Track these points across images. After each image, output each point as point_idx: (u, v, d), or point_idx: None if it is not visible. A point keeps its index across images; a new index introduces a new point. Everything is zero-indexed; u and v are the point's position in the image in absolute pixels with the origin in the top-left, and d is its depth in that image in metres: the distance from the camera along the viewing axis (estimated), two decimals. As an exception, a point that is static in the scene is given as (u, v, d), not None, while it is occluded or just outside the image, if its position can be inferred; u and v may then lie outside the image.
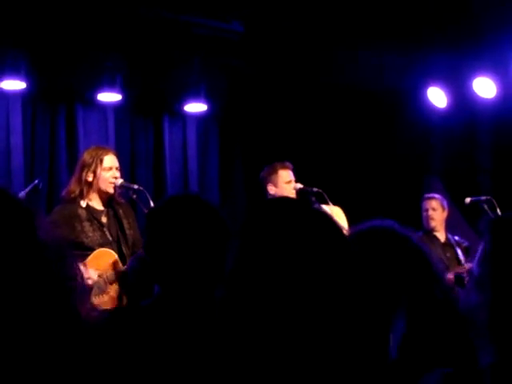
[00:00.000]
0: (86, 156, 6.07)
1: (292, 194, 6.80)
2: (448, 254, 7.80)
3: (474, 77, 8.18)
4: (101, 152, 6.12)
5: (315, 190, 6.77)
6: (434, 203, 8.02)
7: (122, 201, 6.17)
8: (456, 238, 7.97)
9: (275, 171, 6.91)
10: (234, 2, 7.91)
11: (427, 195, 8.12)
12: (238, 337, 1.68)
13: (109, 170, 6.02)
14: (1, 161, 7.67)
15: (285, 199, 2.25)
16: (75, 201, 5.96)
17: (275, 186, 6.87)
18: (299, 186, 6.84)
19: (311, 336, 1.64)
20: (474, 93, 8.20)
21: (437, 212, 7.99)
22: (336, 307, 1.67)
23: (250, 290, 1.69)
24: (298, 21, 7.98)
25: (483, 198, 7.45)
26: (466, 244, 7.92)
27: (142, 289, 3.55)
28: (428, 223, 8.00)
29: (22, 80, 7.45)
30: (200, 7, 7.90)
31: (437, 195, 8.12)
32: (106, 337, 2.46)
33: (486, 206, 7.38)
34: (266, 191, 6.92)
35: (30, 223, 1.58)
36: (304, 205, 1.84)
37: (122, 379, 2.37)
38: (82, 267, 5.70)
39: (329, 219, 1.81)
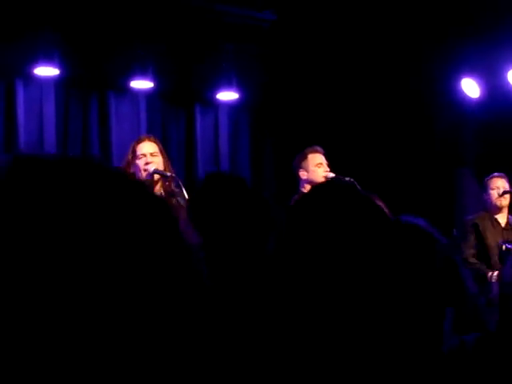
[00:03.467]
0: (129, 150, 6.15)
1: (323, 178, 6.78)
2: (510, 238, 7.39)
3: (508, 67, 8.12)
4: (136, 142, 6.16)
5: (347, 179, 6.75)
6: (505, 182, 7.59)
7: (177, 190, 6.12)
8: None
9: (305, 156, 6.92)
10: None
11: (496, 173, 7.68)
12: (284, 322, 1.67)
13: (141, 157, 6.05)
14: (34, 147, 7.71)
15: (336, 183, 2.21)
16: None
17: (306, 170, 6.87)
18: (331, 174, 6.82)
19: (355, 325, 1.63)
20: (508, 83, 8.14)
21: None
22: (386, 298, 1.65)
23: (299, 273, 1.68)
24: (329, 8, 7.95)
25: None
26: None
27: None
28: (498, 202, 7.56)
29: (55, 67, 7.48)
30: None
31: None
32: None
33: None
34: (298, 178, 6.91)
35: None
36: (355, 190, 1.82)
37: None
38: None
39: (379, 207, 1.80)
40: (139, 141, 6.19)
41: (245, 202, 2.65)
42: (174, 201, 6.08)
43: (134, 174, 5.99)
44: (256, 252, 2.60)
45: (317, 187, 1.90)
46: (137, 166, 6.03)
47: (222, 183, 2.74)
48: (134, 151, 6.07)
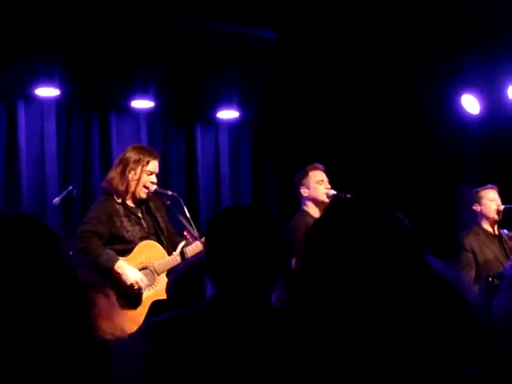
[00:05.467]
0: (133, 155, 6.11)
1: (324, 195, 6.80)
2: (506, 251, 7.29)
3: (508, 83, 8.12)
4: (148, 154, 6.17)
5: (348, 196, 6.75)
6: (497, 194, 7.49)
7: (151, 195, 6.19)
8: (505, 231, 7.46)
9: (306, 173, 6.94)
10: (267, 9, 7.93)
11: (489, 185, 7.56)
12: (306, 339, 1.66)
13: (150, 175, 6.07)
14: (35, 167, 7.73)
15: (355, 200, 2.17)
16: (111, 197, 6.01)
17: (307, 187, 6.89)
18: (333, 192, 6.82)
19: (377, 343, 1.60)
20: (508, 99, 8.14)
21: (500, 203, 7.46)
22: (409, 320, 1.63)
23: (320, 291, 1.65)
24: (330, 26, 7.97)
25: (517, 205, 7.39)
26: None
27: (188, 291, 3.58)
28: (496, 215, 7.41)
29: (56, 87, 7.51)
30: (232, 14, 7.92)
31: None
32: (167, 340, 2.49)
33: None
34: (299, 195, 6.92)
35: (57, 251, 1.66)
36: (376, 206, 1.80)
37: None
38: (135, 272, 5.77)
39: (402, 223, 1.77)
40: (154, 156, 6.20)
41: (261, 228, 2.70)
42: (153, 202, 6.13)
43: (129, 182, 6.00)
44: (270, 275, 2.66)
45: (332, 208, 1.86)
46: (141, 181, 6.04)
47: (240, 212, 2.81)
48: (147, 163, 6.07)
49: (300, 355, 1.63)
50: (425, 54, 7.98)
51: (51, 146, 7.82)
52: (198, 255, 5.28)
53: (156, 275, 5.91)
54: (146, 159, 6.09)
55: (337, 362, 1.59)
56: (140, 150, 6.21)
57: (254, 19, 8.09)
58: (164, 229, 6.08)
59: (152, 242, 5.98)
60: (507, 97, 8.14)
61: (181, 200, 6.14)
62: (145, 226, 6.03)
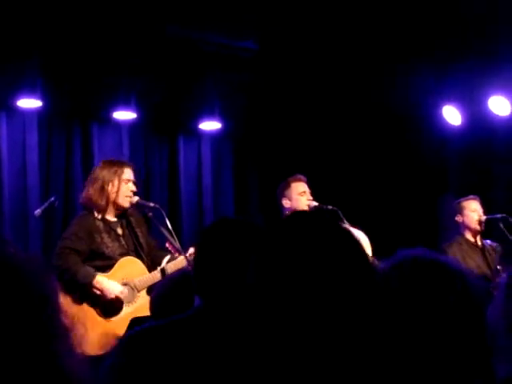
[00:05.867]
0: (108, 168, 6.08)
1: (306, 206, 6.79)
2: (490, 261, 7.33)
3: (489, 95, 8.17)
4: (121, 164, 6.16)
5: (330, 207, 6.75)
6: (479, 204, 7.52)
7: (134, 212, 6.18)
8: (488, 242, 7.52)
9: (288, 185, 6.92)
10: (248, 20, 7.94)
11: (471, 196, 7.60)
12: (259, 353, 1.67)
13: (127, 183, 6.04)
14: (17, 178, 7.70)
15: (310, 213, 2.19)
16: (91, 212, 5.98)
17: (289, 199, 6.87)
18: (314, 203, 6.82)
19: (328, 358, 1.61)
20: (490, 111, 8.19)
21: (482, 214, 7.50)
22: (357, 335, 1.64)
23: (268, 306, 1.67)
24: (311, 37, 7.99)
25: (499, 215, 7.40)
26: (499, 248, 7.46)
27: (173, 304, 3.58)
28: (479, 226, 7.45)
29: (37, 98, 7.49)
30: (213, 25, 7.93)
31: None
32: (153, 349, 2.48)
33: (501, 224, 7.34)
34: (281, 207, 6.91)
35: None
36: (330, 221, 1.81)
37: None
38: (114, 284, 5.75)
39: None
40: (127, 165, 6.19)
41: (249, 240, 2.71)
42: (133, 218, 6.11)
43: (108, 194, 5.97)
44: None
45: (290, 216, 1.88)
46: (120, 191, 6.01)
47: (229, 224, 2.81)
48: (121, 173, 6.05)
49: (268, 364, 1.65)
50: (407, 65, 8.01)
51: (33, 157, 7.79)
52: (180, 271, 5.26)
53: (136, 292, 5.88)
54: (121, 169, 6.07)
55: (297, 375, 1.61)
56: (112, 162, 6.19)
57: (236, 30, 8.10)
58: (144, 244, 6.03)
59: (132, 258, 5.94)
60: (488, 108, 8.19)
61: (163, 212, 6.11)
62: (123, 242, 5.98)
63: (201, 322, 2.61)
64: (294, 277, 1.66)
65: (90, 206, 6.01)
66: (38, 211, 6.42)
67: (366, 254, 1.76)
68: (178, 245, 5.93)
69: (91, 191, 6.03)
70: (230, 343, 2.56)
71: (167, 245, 6.04)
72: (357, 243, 1.77)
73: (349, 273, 1.67)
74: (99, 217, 5.98)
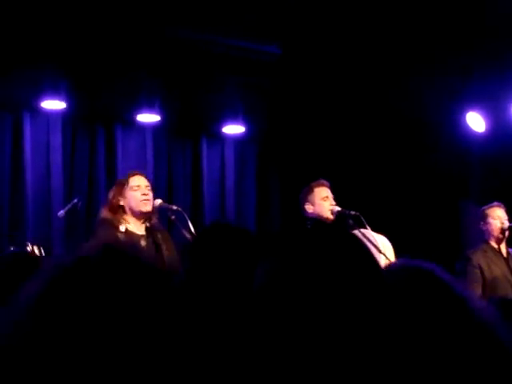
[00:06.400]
0: (114, 187, 6.16)
1: (329, 211, 6.75)
2: (511, 269, 7.27)
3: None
4: (128, 175, 6.21)
5: (353, 213, 6.72)
6: (504, 212, 7.43)
7: (162, 228, 6.18)
8: None
9: (311, 190, 6.87)
10: (272, 24, 7.95)
11: (496, 203, 7.52)
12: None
13: (137, 189, 6.04)
14: (41, 180, 7.75)
15: (317, 221, 2.17)
16: (115, 225, 5.98)
17: (312, 204, 6.82)
18: (337, 208, 6.78)
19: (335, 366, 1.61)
20: (513, 118, 8.16)
21: (507, 222, 7.39)
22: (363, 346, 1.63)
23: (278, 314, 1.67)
24: (334, 41, 7.99)
25: (522, 223, 7.39)
26: None
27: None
28: (501, 233, 7.37)
29: (62, 100, 7.54)
30: (238, 29, 7.95)
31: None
32: None
33: (524, 232, 7.31)
34: (304, 211, 6.89)
35: None
36: (337, 230, 1.81)
37: None
38: None
39: (360, 246, 1.78)
40: (132, 174, 6.21)
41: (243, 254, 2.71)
42: (161, 233, 6.10)
43: (123, 206, 6.00)
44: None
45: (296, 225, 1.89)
46: (132, 198, 6.01)
47: (225, 233, 2.81)
48: (127, 183, 6.07)
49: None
50: (430, 72, 7.99)
51: (57, 159, 7.83)
52: None
53: None
54: (127, 179, 6.12)
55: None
56: (120, 179, 6.27)
57: (260, 34, 8.12)
58: (166, 261, 5.96)
59: None
60: (512, 115, 8.16)
61: (185, 215, 6.11)
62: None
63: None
64: (309, 289, 1.65)
65: (102, 224, 6.03)
66: (61, 212, 6.45)
67: (370, 258, 1.76)
68: (200, 248, 5.93)
69: (104, 212, 6.07)
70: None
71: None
72: (361, 247, 1.77)
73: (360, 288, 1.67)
74: (122, 229, 5.97)
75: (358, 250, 1.72)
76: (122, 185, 6.08)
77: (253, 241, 2.78)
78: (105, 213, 6.03)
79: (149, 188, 6.11)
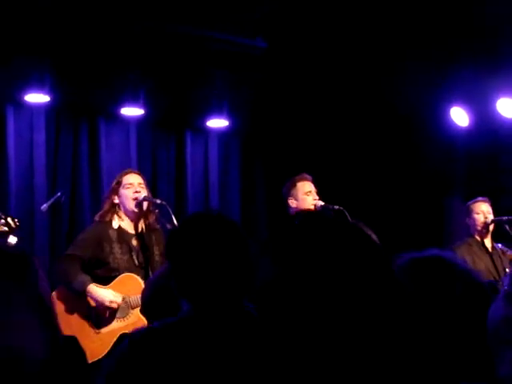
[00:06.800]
0: (113, 185, 6.20)
1: (312, 206, 6.77)
2: (497, 264, 7.39)
3: (498, 97, 8.15)
4: (122, 173, 6.26)
5: (336, 207, 6.73)
6: (489, 206, 7.57)
7: (157, 227, 6.19)
8: (500, 245, 7.53)
9: (294, 184, 6.88)
10: (257, 18, 7.94)
11: (480, 198, 7.65)
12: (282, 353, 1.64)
13: (129, 187, 6.08)
14: (24, 174, 7.71)
15: (321, 213, 2.14)
16: (108, 222, 6.03)
17: (295, 199, 6.83)
18: (320, 203, 6.80)
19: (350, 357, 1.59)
20: (497, 113, 8.17)
21: (491, 216, 7.54)
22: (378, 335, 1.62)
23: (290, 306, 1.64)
24: (319, 35, 7.99)
25: (505, 218, 7.41)
26: (510, 252, 7.47)
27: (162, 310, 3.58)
28: (485, 228, 7.52)
29: (45, 93, 7.50)
30: (222, 23, 7.94)
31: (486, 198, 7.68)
32: (142, 356, 2.47)
33: (507, 227, 7.34)
34: (288, 206, 6.89)
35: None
36: (343, 221, 1.79)
37: None
38: (107, 291, 5.79)
39: (369, 237, 1.76)
40: (126, 173, 6.28)
41: (222, 236, 2.68)
42: (155, 235, 6.13)
43: (118, 204, 6.06)
44: (239, 282, 2.64)
45: (304, 216, 1.86)
46: (124, 196, 6.07)
47: (199, 220, 2.77)
48: (120, 182, 6.13)
49: (277, 364, 1.63)
50: (414, 66, 8.00)
51: (40, 152, 7.79)
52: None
53: (130, 309, 5.90)
54: (120, 178, 6.18)
55: (313, 371, 1.59)
56: (119, 174, 6.31)
57: (244, 28, 8.10)
58: (158, 263, 5.97)
59: (132, 275, 5.90)
60: (496, 110, 8.17)
61: (169, 209, 6.12)
62: (134, 256, 6.00)
63: (194, 325, 2.60)
64: (320, 273, 1.62)
65: (101, 221, 6.07)
66: (44, 206, 6.43)
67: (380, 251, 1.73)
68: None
69: (104, 205, 6.15)
70: (223, 342, 2.55)
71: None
72: (370, 239, 1.75)
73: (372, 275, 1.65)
74: (115, 226, 6.02)
75: (367, 239, 1.71)
76: (118, 183, 6.13)
77: (238, 230, 2.74)
78: (106, 209, 6.12)
79: (142, 185, 6.14)
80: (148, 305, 3.89)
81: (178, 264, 2.68)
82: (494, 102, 8.16)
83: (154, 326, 2.65)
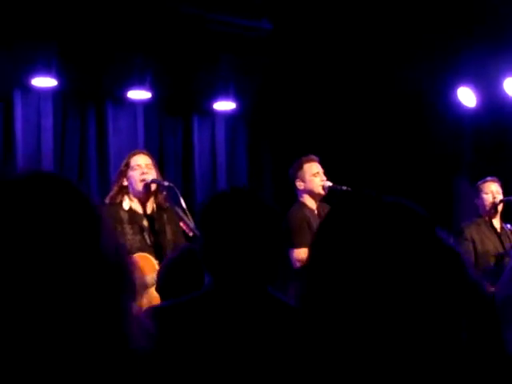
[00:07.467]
0: (122, 167, 6.19)
1: (320, 187, 6.78)
2: (506, 244, 7.35)
3: (504, 77, 8.13)
4: (130, 155, 6.25)
5: (344, 188, 6.74)
6: (498, 186, 7.55)
7: (168, 205, 6.18)
8: (508, 225, 7.52)
9: (300, 166, 6.88)
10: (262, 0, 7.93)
11: (489, 178, 7.62)
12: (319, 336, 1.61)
13: (137, 168, 6.08)
14: (31, 158, 7.71)
15: (359, 193, 2.07)
16: (119, 203, 6.03)
17: (303, 180, 6.84)
18: (328, 183, 6.81)
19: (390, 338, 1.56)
20: (504, 93, 8.15)
21: (500, 196, 7.52)
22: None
23: (336, 288, 1.61)
24: (326, 17, 7.97)
25: (513, 198, 7.43)
26: None
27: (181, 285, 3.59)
28: (493, 208, 7.49)
29: (52, 77, 7.50)
30: (228, 5, 7.92)
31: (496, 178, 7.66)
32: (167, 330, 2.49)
33: (515, 207, 7.36)
34: (295, 187, 6.90)
35: (96, 228, 1.42)
36: (380, 198, 1.74)
37: (180, 374, 2.41)
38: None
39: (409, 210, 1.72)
40: (133, 154, 6.27)
41: (254, 214, 2.67)
42: (167, 214, 6.12)
43: (127, 186, 6.05)
44: (267, 263, 2.64)
45: (340, 203, 1.79)
46: (132, 177, 6.07)
47: (232, 196, 2.77)
48: (128, 163, 6.12)
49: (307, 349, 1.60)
50: (421, 47, 7.98)
51: (48, 137, 7.80)
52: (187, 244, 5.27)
53: (145, 288, 5.89)
54: (128, 159, 6.17)
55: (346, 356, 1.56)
56: (127, 156, 6.29)
57: (250, 10, 8.08)
58: (170, 242, 5.97)
59: (145, 254, 5.88)
60: (504, 90, 8.15)
61: (177, 190, 6.13)
62: (146, 236, 6.00)
63: (212, 301, 2.61)
64: (364, 256, 1.59)
65: (111, 203, 6.06)
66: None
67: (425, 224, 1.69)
68: (192, 224, 5.93)
69: (113, 188, 6.14)
70: (243, 319, 2.57)
71: (181, 224, 6.04)
72: (414, 213, 1.71)
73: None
74: (126, 207, 6.02)
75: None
76: (127, 165, 6.13)
77: (272, 209, 2.74)
78: (115, 192, 6.11)
79: (150, 166, 6.14)
80: (164, 284, 3.91)
81: (209, 235, 2.69)
82: (502, 82, 8.14)
83: (177, 300, 2.66)
